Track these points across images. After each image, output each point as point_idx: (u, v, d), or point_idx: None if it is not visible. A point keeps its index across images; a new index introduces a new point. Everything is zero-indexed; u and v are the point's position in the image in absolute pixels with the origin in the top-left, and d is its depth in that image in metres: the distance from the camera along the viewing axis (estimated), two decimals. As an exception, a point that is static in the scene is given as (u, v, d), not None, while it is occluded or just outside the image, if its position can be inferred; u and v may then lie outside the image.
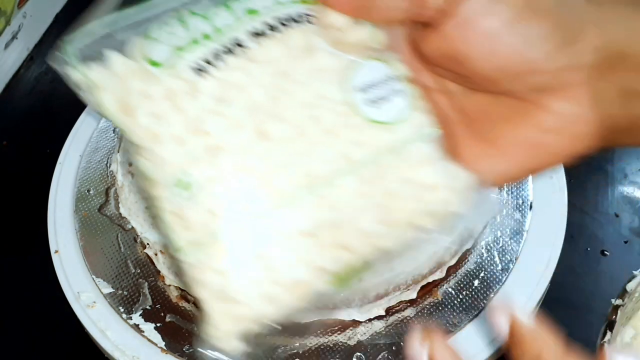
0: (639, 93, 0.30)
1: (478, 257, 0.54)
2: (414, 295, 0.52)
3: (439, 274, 0.52)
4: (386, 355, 0.49)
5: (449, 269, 0.53)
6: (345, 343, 0.50)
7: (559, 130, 0.31)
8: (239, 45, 0.32)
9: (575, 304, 0.56)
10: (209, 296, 0.31)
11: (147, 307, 0.53)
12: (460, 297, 0.52)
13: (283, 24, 0.33)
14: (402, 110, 0.32)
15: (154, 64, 0.31)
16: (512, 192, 0.56)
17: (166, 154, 0.31)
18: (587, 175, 0.62)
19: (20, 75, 0.78)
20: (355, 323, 0.51)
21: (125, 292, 0.54)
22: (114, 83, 0.31)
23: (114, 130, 0.63)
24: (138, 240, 0.55)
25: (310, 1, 0.33)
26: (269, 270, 0.31)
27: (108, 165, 0.61)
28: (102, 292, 0.53)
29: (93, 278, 0.54)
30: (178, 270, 0.33)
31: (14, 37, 0.79)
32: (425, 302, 0.52)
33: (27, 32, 0.81)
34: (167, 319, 0.53)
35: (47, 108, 0.74)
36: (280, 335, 0.49)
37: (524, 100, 0.31)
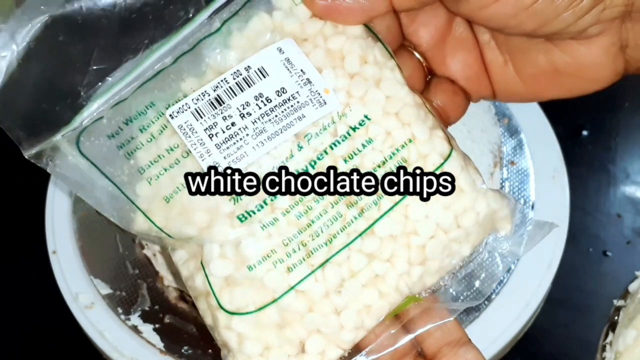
0: None
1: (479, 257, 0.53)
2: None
3: (440, 275, 0.52)
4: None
5: (450, 270, 0.52)
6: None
7: (576, 72, 0.34)
8: None
9: (577, 305, 0.56)
10: None
11: (146, 308, 0.53)
12: (462, 298, 0.52)
13: None
14: None
15: None
16: (514, 193, 0.56)
17: None
18: (589, 175, 0.61)
19: (18, 74, 0.78)
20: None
21: (124, 293, 0.53)
22: None
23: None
24: (137, 241, 0.55)
25: None
26: None
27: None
28: (100, 293, 0.53)
29: (91, 279, 0.54)
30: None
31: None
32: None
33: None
34: (166, 320, 0.52)
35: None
36: None
37: (549, 41, 0.34)
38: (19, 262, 0.60)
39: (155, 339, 0.51)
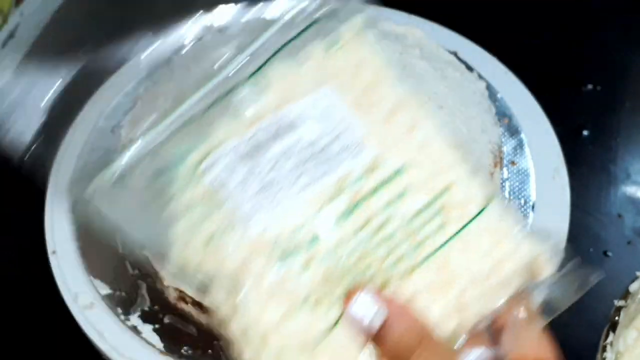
0: None
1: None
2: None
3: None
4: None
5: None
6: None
7: None
8: None
9: (577, 305, 0.56)
10: None
11: (146, 309, 0.53)
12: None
13: None
14: None
15: None
16: (514, 193, 0.56)
17: None
18: (589, 175, 0.61)
19: (17, 73, 0.78)
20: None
21: (124, 294, 0.53)
22: None
23: (111, 131, 0.62)
24: (136, 241, 0.55)
25: None
26: None
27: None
28: (99, 293, 0.53)
29: (91, 279, 0.54)
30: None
31: (10, 35, 0.78)
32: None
33: (24, 30, 0.81)
34: (166, 321, 0.52)
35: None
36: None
37: None
38: (18, 262, 0.60)
39: (155, 339, 0.51)
